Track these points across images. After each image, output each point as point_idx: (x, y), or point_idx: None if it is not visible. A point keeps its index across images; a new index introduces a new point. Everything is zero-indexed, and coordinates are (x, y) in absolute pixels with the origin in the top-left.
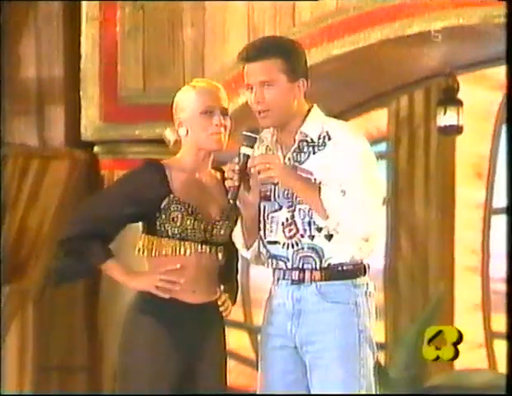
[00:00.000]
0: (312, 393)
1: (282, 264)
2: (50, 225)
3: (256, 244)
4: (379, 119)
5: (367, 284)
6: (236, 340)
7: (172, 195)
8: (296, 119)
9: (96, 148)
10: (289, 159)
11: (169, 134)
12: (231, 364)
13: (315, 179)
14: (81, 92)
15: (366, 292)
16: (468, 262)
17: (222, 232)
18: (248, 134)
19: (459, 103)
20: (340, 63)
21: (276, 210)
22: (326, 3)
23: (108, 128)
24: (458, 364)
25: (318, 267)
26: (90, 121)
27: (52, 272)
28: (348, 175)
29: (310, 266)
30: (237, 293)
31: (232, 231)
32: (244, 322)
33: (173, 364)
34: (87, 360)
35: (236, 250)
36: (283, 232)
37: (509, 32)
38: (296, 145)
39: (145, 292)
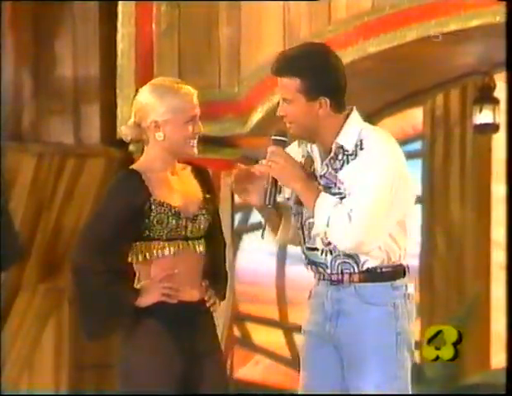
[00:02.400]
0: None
1: (321, 270)
2: None
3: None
4: (415, 117)
5: (407, 286)
6: (272, 338)
7: (152, 198)
8: (330, 130)
9: (131, 147)
10: (326, 165)
11: (128, 132)
12: (266, 362)
13: (344, 189)
14: (117, 91)
15: (405, 294)
16: (504, 260)
17: (202, 226)
18: (278, 137)
19: (495, 101)
20: (376, 62)
21: (312, 216)
22: (362, 2)
23: None
24: (495, 363)
25: (357, 271)
26: (126, 120)
27: (82, 330)
28: (356, 188)
29: (348, 271)
30: (225, 287)
31: (210, 223)
32: (279, 320)
33: (177, 363)
34: None
35: (218, 243)
36: (321, 239)
37: (510, 32)
38: (332, 154)
39: None
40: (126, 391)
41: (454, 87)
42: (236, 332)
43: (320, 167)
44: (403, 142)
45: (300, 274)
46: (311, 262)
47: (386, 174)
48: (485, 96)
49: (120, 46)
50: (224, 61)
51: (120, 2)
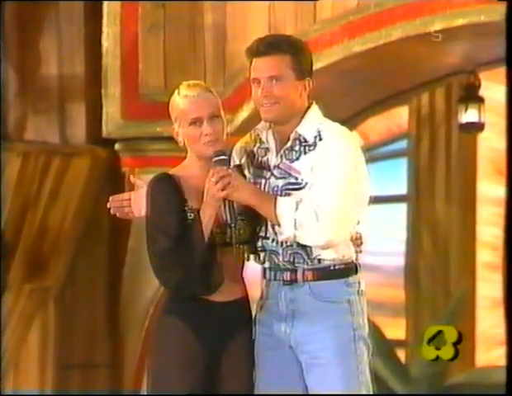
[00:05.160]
0: (310, 392)
1: (274, 258)
2: (71, 223)
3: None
4: (400, 116)
5: (359, 282)
6: None
7: (187, 204)
8: (295, 117)
9: (117, 146)
10: (281, 156)
11: (179, 142)
12: None
13: (302, 179)
14: (102, 90)
15: (358, 290)
16: (489, 259)
17: (242, 231)
18: (219, 157)
19: (481, 100)
20: (361, 61)
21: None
22: (347, 1)
23: (129, 125)
24: (479, 362)
25: (309, 264)
26: (111, 119)
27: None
28: (320, 182)
29: (301, 262)
30: None
31: (252, 229)
32: None
33: (201, 362)
34: (108, 357)
35: None
36: (272, 228)
37: (510, 32)
38: (289, 144)
39: (172, 293)
40: (154, 390)
41: (439, 86)
42: None
43: (274, 158)
44: (388, 140)
45: None
46: (265, 250)
47: (347, 167)
48: (471, 95)
49: (105, 45)
50: (209, 60)
51: (105, 2)
